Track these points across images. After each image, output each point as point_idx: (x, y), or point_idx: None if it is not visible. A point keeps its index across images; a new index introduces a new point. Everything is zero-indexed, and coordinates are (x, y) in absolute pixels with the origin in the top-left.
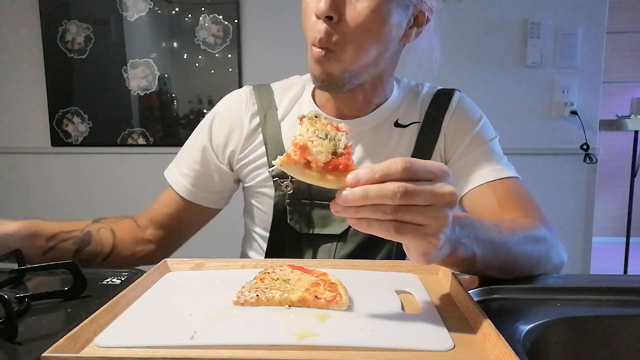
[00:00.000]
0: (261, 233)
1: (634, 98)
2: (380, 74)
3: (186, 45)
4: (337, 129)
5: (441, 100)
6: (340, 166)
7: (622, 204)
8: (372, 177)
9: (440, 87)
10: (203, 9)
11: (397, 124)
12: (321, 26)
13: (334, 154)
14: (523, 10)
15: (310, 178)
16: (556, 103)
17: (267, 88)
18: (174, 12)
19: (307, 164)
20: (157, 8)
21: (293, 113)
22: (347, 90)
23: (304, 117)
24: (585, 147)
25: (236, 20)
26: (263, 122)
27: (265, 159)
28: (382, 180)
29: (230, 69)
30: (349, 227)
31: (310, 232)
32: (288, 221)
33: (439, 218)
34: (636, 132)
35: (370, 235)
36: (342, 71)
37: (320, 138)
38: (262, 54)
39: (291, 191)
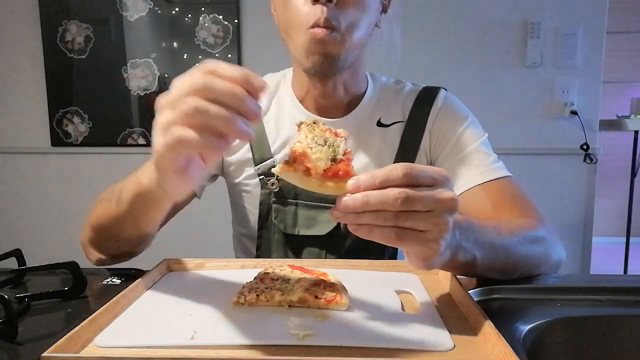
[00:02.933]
0: (248, 234)
1: (634, 98)
2: (357, 60)
3: (186, 45)
4: (336, 135)
5: (426, 98)
6: (340, 172)
7: (622, 204)
8: (372, 183)
9: (424, 85)
10: (203, 9)
11: (379, 124)
12: (321, 9)
13: (334, 160)
14: (523, 10)
15: (310, 185)
16: (556, 103)
17: None
18: (174, 12)
19: (307, 171)
20: (157, 8)
21: (272, 109)
22: (339, 73)
23: (302, 123)
24: (585, 147)
25: (236, 20)
26: None
27: (250, 155)
28: (382, 186)
29: None
30: (334, 228)
31: (296, 232)
32: (273, 220)
33: (439, 224)
34: (636, 132)
35: (358, 240)
36: (343, 49)
37: (319, 145)
38: (262, 54)
39: (277, 189)
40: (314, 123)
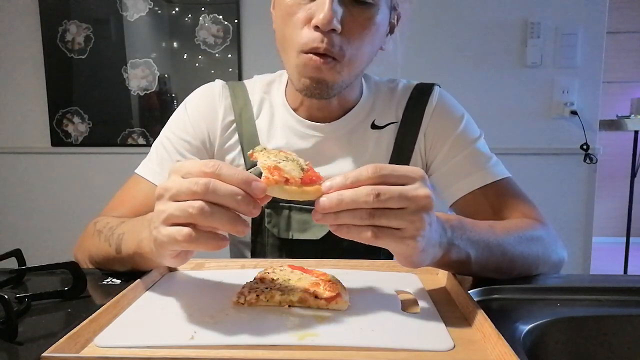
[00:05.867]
0: (242, 239)
1: (634, 98)
2: (354, 80)
3: (186, 45)
4: (287, 154)
5: (419, 97)
6: (314, 178)
7: (622, 204)
8: (344, 184)
9: (417, 82)
10: (203, 9)
11: (373, 126)
12: (320, 36)
13: (302, 170)
14: (523, 10)
15: (292, 194)
16: (556, 103)
17: (241, 86)
18: (174, 12)
19: (287, 182)
20: (157, 8)
21: (265, 114)
22: (333, 97)
23: (253, 152)
24: (585, 147)
25: (236, 20)
26: (239, 120)
27: (242, 160)
28: (353, 186)
29: (230, 69)
30: (329, 232)
31: (290, 236)
32: (265, 224)
33: (414, 221)
34: (636, 132)
35: (353, 244)
36: (340, 79)
37: (283, 161)
38: (262, 54)
39: None
40: (265, 149)
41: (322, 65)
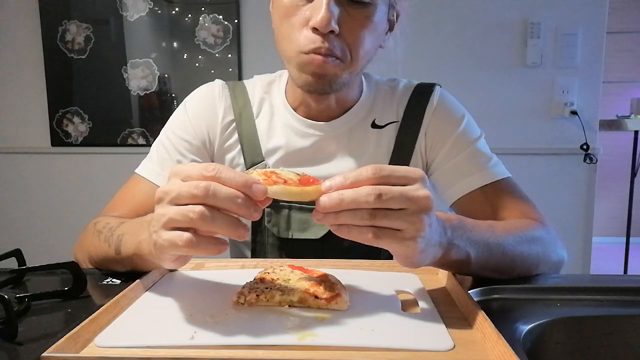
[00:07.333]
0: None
1: (634, 98)
2: (355, 78)
3: (186, 45)
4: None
5: (420, 96)
6: (311, 179)
7: (622, 204)
8: (344, 183)
9: (418, 82)
10: (203, 9)
11: (374, 125)
12: (320, 38)
13: (297, 175)
14: (523, 10)
15: (292, 194)
16: (556, 103)
17: (241, 86)
18: (174, 12)
19: (285, 183)
20: (157, 8)
21: (265, 111)
22: (334, 93)
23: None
24: (585, 147)
25: (236, 20)
26: (238, 120)
27: (241, 159)
28: (353, 186)
29: (230, 69)
30: (329, 232)
31: (290, 236)
32: (265, 224)
33: (414, 222)
34: (636, 132)
35: (353, 244)
36: (342, 75)
37: (278, 170)
38: (262, 54)
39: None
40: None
41: (324, 63)
